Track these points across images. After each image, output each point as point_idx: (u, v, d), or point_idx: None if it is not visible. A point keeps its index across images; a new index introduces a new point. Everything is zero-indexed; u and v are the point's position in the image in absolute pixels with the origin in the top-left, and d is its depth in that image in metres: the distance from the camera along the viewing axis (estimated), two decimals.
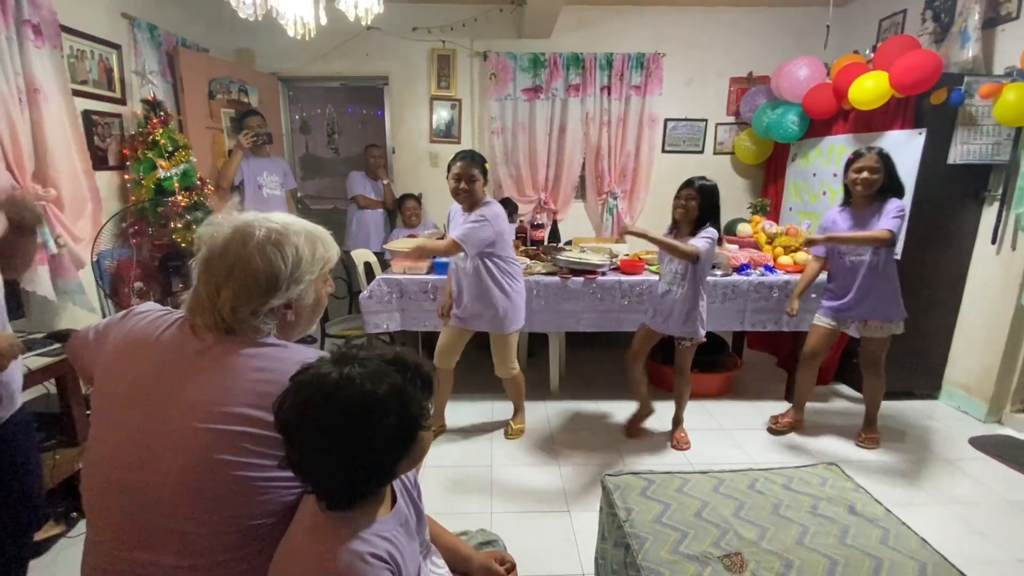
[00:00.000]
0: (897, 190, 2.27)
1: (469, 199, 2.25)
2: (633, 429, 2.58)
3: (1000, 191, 2.68)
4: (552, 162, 4.00)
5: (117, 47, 2.78)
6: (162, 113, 2.81)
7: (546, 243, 3.41)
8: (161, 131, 2.75)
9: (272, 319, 0.90)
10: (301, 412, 0.70)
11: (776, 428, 2.64)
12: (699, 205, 2.23)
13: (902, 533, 1.30)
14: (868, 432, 2.56)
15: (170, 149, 2.76)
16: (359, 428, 0.69)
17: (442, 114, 4.00)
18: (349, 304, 3.11)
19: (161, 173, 2.72)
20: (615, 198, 4.01)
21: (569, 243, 3.60)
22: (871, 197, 2.28)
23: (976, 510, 2.06)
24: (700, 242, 2.19)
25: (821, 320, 2.48)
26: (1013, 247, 2.64)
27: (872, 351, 2.44)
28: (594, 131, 3.93)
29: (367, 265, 3.31)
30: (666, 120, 4.01)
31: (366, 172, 3.89)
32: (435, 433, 2.53)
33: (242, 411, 0.81)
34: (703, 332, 2.35)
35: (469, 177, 2.21)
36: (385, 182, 3.87)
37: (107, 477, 0.83)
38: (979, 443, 2.56)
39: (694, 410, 2.86)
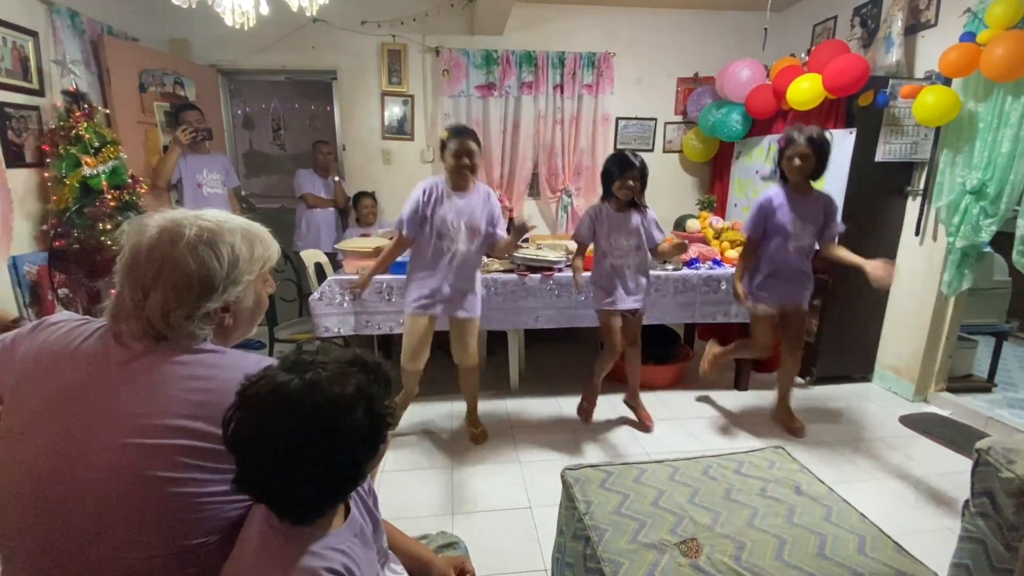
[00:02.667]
0: (821, 172, 2.34)
1: (472, 178, 2.20)
2: (588, 413, 2.63)
3: (921, 187, 2.89)
4: (506, 159, 4.00)
5: (34, 34, 2.56)
6: (86, 106, 2.61)
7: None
8: (85, 125, 2.55)
9: (208, 323, 0.84)
10: (261, 426, 0.65)
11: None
12: (643, 184, 2.34)
13: (843, 510, 1.38)
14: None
15: (96, 145, 2.57)
16: (330, 434, 0.66)
17: (394, 110, 3.92)
18: (299, 307, 3.00)
19: (87, 171, 2.53)
20: (569, 196, 4.04)
21: (526, 240, 3.59)
22: (806, 179, 2.34)
23: (907, 484, 2.21)
24: (659, 234, 2.39)
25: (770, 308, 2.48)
26: (935, 238, 2.85)
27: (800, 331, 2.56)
28: (547, 129, 3.95)
29: (318, 266, 3.21)
30: (617, 119, 4.07)
31: (315, 169, 3.77)
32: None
33: (177, 423, 0.75)
34: None
35: (473, 152, 2.15)
36: (336, 179, 3.75)
37: (20, 505, 0.75)
38: (908, 421, 2.75)
39: (649, 401, 2.91)
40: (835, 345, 3.13)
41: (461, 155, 2.12)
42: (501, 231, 2.31)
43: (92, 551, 0.73)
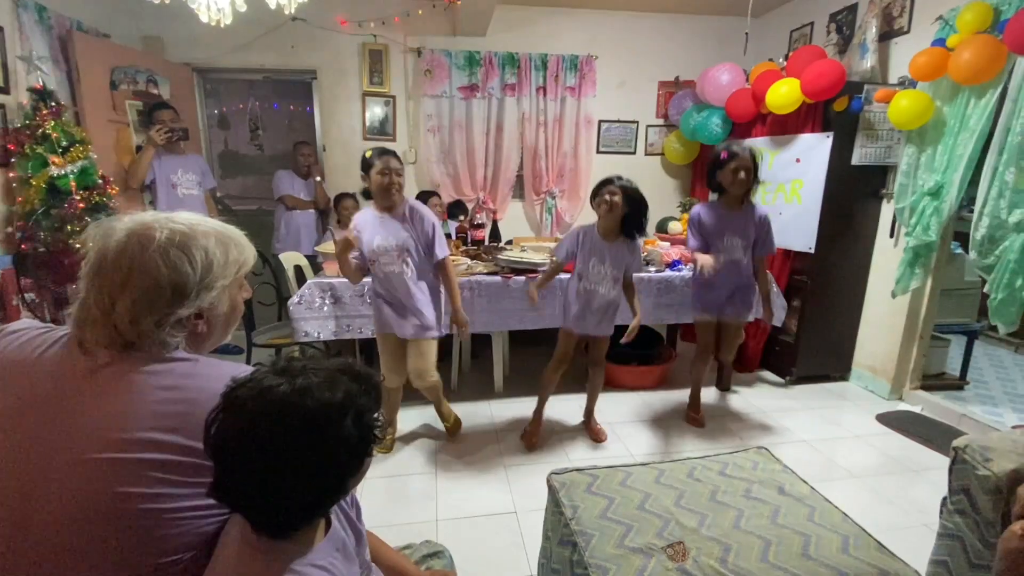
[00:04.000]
0: (754, 190, 2.39)
1: (400, 197, 2.15)
2: (532, 439, 2.47)
3: (895, 189, 2.95)
4: (490, 161, 3.99)
5: None
6: (53, 104, 2.51)
7: (487, 243, 3.38)
8: (53, 123, 2.46)
9: (180, 331, 0.81)
10: (246, 432, 0.62)
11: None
12: (624, 202, 2.17)
13: (826, 509, 1.39)
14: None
15: (64, 144, 2.47)
16: (317, 443, 0.63)
17: (375, 111, 3.88)
18: (278, 311, 2.93)
19: (54, 171, 2.43)
20: (554, 197, 4.05)
21: (510, 243, 3.59)
22: (745, 194, 2.37)
23: (885, 481, 2.25)
24: (637, 265, 2.33)
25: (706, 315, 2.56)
26: (907, 241, 2.90)
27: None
28: (531, 131, 3.95)
29: (297, 269, 3.14)
30: (600, 121, 4.09)
31: (294, 170, 3.70)
32: (391, 442, 2.43)
33: (147, 436, 0.72)
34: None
35: (400, 171, 2.10)
36: (317, 179, 3.68)
37: None
38: (884, 419, 2.81)
39: (633, 402, 2.95)
40: (813, 345, 3.19)
41: (390, 173, 2.06)
42: (441, 251, 2.20)
43: (59, 574, 0.69)
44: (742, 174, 2.29)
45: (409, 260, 2.17)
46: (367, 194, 2.17)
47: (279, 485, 0.63)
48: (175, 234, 0.79)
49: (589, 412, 2.62)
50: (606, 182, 2.19)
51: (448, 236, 3.21)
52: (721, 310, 2.54)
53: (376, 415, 0.71)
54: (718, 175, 2.36)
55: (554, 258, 2.40)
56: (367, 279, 2.30)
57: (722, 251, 2.40)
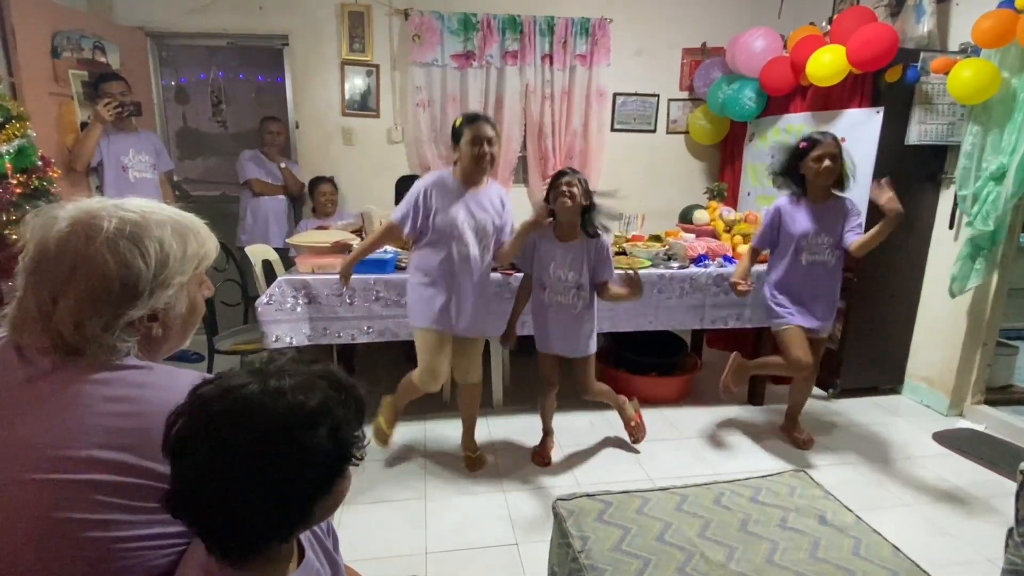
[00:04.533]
0: (845, 179, 2.42)
1: (491, 171, 2.23)
2: (543, 458, 2.53)
3: (956, 173, 2.95)
4: None
5: None
6: None
7: None
8: None
9: (131, 335, 0.82)
10: (205, 433, 0.63)
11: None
12: (583, 194, 2.18)
13: (873, 542, 1.39)
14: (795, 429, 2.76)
15: None
16: (285, 452, 0.64)
17: (356, 82, 3.89)
18: (244, 312, 2.94)
19: None
20: None
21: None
22: (828, 189, 2.41)
23: (942, 509, 2.26)
24: (610, 272, 2.29)
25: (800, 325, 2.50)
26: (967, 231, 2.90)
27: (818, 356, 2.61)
28: (535, 105, 3.95)
29: (266, 264, 3.15)
30: (615, 95, 4.09)
31: (262, 151, 3.71)
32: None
33: (94, 455, 0.73)
34: (595, 343, 2.40)
35: (493, 140, 2.14)
36: (282, 165, 3.68)
37: None
38: (941, 438, 2.81)
39: (652, 419, 2.92)
40: (861, 353, 3.19)
41: (484, 142, 2.10)
42: (507, 235, 2.31)
43: None
44: (827, 162, 2.33)
45: (489, 247, 2.24)
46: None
47: (238, 497, 0.63)
48: (125, 224, 0.79)
49: (619, 408, 2.65)
50: (559, 175, 2.22)
51: None
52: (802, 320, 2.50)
53: (357, 432, 0.71)
54: (800, 167, 2.41)
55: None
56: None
57: (804, 251, 2.46)
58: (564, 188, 2.16)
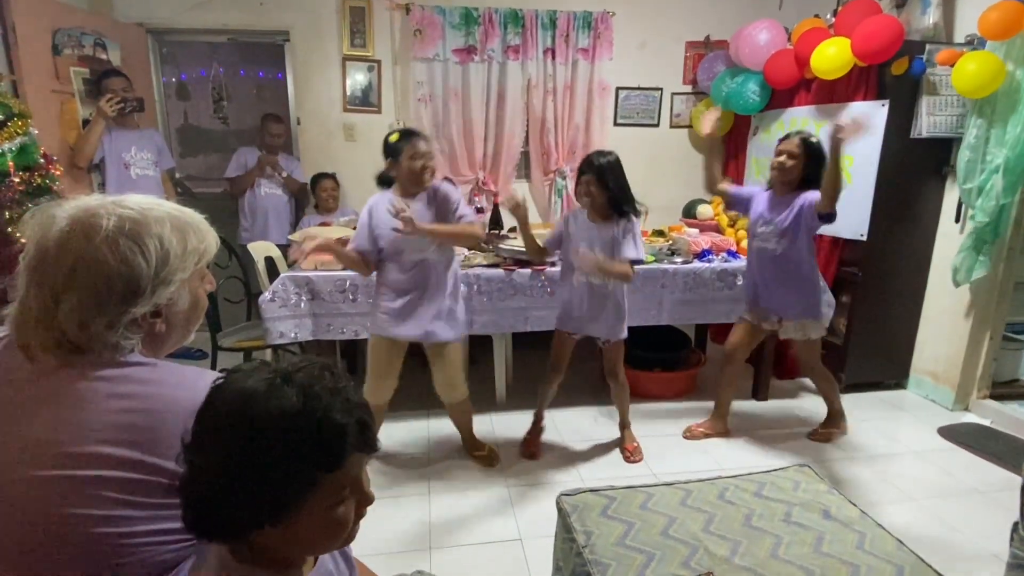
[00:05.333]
0: (815, 183, 2.32)
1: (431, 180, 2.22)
2: (530, 449, 2.57)
3: (962, 166, 2.93)
4: (490, 135, 3.97)
5: None
6: None
7: (487, 230, 3.38)
8: None
9: (135, 332, 0.82)
10: (204, 416, 0.67)
11: (691, 436, 2.74)
12: (603, 186, 2.21)
13: (878, 536, 1.40)
14: (825, 426, 2.76)
15: (0, 118, 2.48)
16: (263, 433, 0.64)
17: (358, 78, 3.88)
18: (247, 309, 2.95)
19: None
20: (564, 177, 4.04)
21: (513, 229, 3.58)
22: (789, 185, 2.37)
23: (948, 504, 2.26)
24: (632, 251, 2.21)
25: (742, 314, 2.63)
26: (969, 224, 2.89)
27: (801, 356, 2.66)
28: (538, 100, 3.93)
29: (269, 261, 3.16)
30: (618, 89, 4.07)
31: (260, 148, 3.69)
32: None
33: (101, 451, 0.74)
34: (626, 329, 2.42)
35: (432, 154, 2.19)
36: (284, 175, 3.64)
37: None
38: (947, 432, 2.81)
39: (655, 414, 2.96)
40: (865, 347, 3.19)
41: (419, 157, 2.12)
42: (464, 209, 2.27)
43: None
44: (782, 157, 2.37)
45: (442, 249, 2.24)
46: (386, 181, 2.23)
47: (219, 481, 0.64)
48: (124, 221, 0.80)
49: (622, 426, 2.65)
50: (583, 168, 2.26)
51: None
52: (753, 306, 2.59)
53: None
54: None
55: (546, 244, 2.44)
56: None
57: (756, 237, 2.50)
58: (582, 186, 2.24)
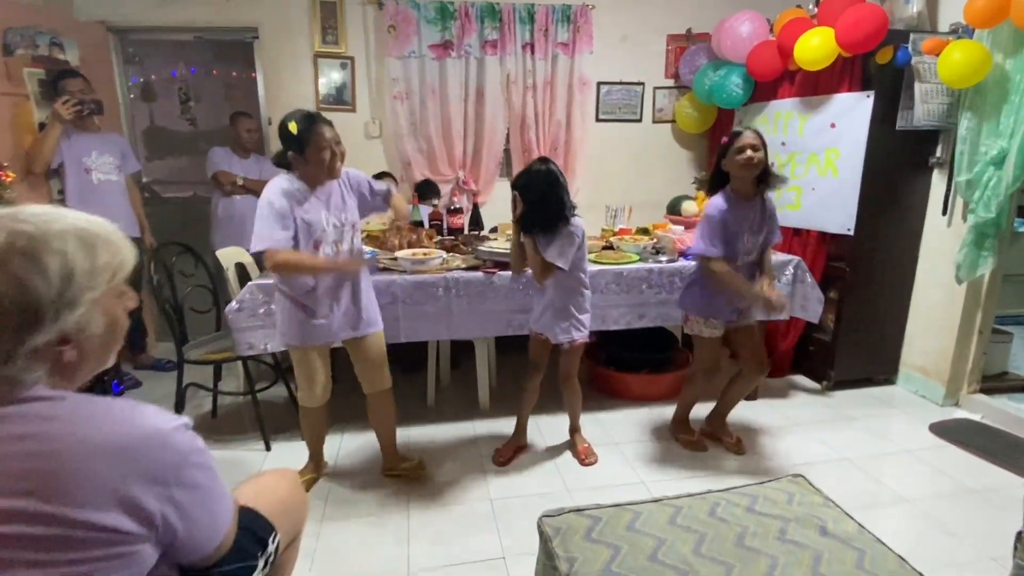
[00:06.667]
0: (771, 177, 2.24)
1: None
2: (503, 458, 2.48)
3: (948, 157, 2.89)
4: (470, 133, 3.89)
5: None
6: None
7: (466, 231, 3.29)
8: None
9: (39, 363, 0.73)
10: None
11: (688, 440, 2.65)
12: (523, 197, 2.13)
13: (878, 553, 1.32)
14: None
15: None
16: None
17: (330, 76, 3.77)
18: (216, 319, 2.82)
19: None
20: None
21: (494, 230, 3.50)
22: (755, 182, 2.22)
23: (942, 505, 2.20)
24: (554, 252, 2.14)
25: (716, 329, 2.42)
26: (964, 218, 2.85)
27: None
28: (517, 96, 3.85)
29: (240, 267, 3.03)
30: (599, 83, 4.01)
31: (233, 149, 3.58)
32: (311, 480, 2.32)
33: (3, 505, 0.64)
34: (583, 333, 2.31)
35: (339, 139, 2.02)
36: (241, 183, 3.50)
37: None
38: (939, 429, 2.76)
39: (642, 417, 2.89)
40: (854, 344, 3.14)
41: (329, 145, 1.95)
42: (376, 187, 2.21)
43: None
44: (749, 152, 2.12)
45: (358, 236, 2.15)
46: (283, 164, 2.00)
47: None
48: (17, 237, 0.70)
49: (571, 430, 2.60)
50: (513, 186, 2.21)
51: (419, 224, 3.11)
52: (729, 318, 2.41)
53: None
54: (724, 163, 2.23)
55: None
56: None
57: (741, 254, 2.29)
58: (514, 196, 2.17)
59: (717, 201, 2.24)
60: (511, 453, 2.52)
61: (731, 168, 2.20)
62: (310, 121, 1.93)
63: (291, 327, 2.09)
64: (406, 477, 2.36)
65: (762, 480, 1.62)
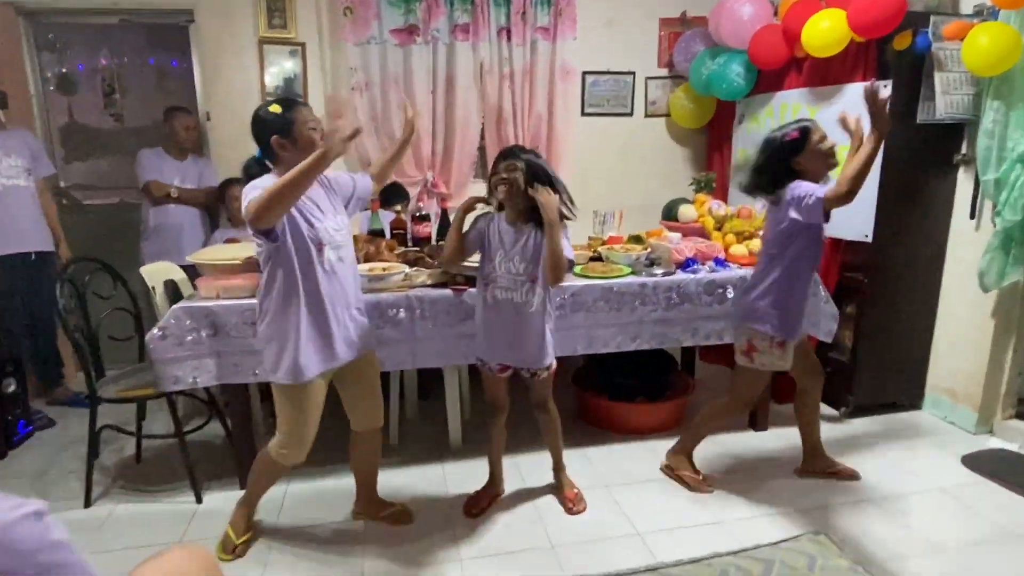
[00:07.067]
0: None
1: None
2: (477, 508, 2.36)
3: (976, 154, 2.82)
4: (440, 129, 3.82)
5: None
6: None
7: (434, 241, 3.15)
8: None
9: None
10: None
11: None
12: (529, 177, 2.02)
13: None
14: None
15: None
16: None
17: (280, 65, 3.68)
18: (139, 348, 2.65)
19: None
20: None
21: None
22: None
23: (981, 554, 2.10)
24: (569, 249, 2.05)
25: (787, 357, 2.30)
26: (994, 222, 2.78)
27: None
28: (493, 87, 3.79)
29: (171, 286, 2.86)
30: (584, 73, 3.97)
31: (166, 149, 3.46)
32: (245, 544, 2.14)
33: None
34: (552, 354, 2.23)
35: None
36: (175, 195, 3.38)
37: None
38: (972, 462, 2.68)
39: (637, 453, 2.79)
40: (875, 364, 3.08)
41: (317, 127, 1.90)
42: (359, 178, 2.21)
43: None
44: (829, 142, 2.15)
45: (351, 241, 2.07)
46: (260, 164, 1.93)
47: None
48: None
49: (556, 470, 2.47)
50: (502, 155, 2.08)
51: (379, 233, 2.98)
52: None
53: None
54: (796, 161, 2.15)
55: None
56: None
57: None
58: (503, 173, 2.03)
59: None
60: (486, 502, 2.38)
61: (811, 164, 2.15)
62: (286, 100, 1.93)
63: (298, 356, 1.89)
64: (390, 518, 2.28)
65: (777, 541, 1.50)
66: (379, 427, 2.20)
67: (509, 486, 2.51)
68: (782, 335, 2.22)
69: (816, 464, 2.58)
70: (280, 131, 1.84)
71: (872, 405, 3.14)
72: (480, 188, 3.96)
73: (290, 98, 1.97)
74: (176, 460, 2.53)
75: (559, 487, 2.44)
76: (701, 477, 2.51)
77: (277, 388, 1.95)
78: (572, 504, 2.37)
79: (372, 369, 2.15)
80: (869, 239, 2.91)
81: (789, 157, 2.16)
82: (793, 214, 2.10)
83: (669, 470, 2.57)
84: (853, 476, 2.55)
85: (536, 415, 2.36)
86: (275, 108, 1.86)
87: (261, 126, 1.87)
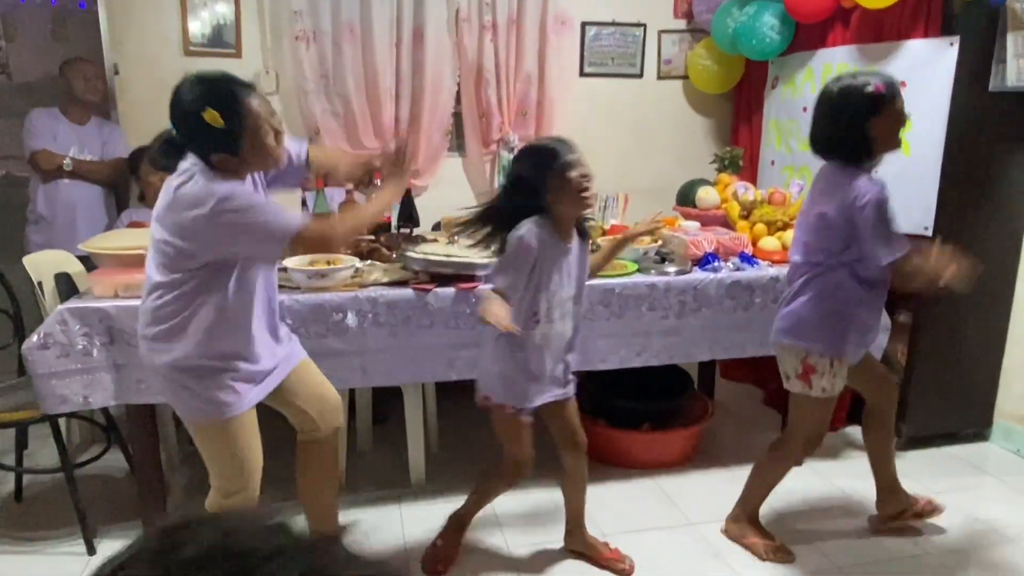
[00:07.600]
0: None
1: None
2: (443, 566, 2.32)
3: None
4: (404, 90, 3.80)
5: None
6: None
7: (394, 229, 3.08)
8: None
9: None
10: None
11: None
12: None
13: None
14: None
15: None
16: None
17: (209, 8, 3.61)
18: (19, 359, 2.59)
19: None
20: (511, 150, 3.85)
21: (437, 227, 3.39)
22: None
23: None
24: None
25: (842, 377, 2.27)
26: None
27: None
28: (471, 39, 3.78)
29: (64, 281, 2.77)
30: (584, 24, 3.97)
31: (63, 110, 3.37)
32: None
33: None
34: None
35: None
36: (69, 167, 3.28)
37: None
38: None
39: (644, 493, 2.77)
40: (933, 385, 3.08)
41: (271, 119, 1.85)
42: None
43: None
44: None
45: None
46: (176, 150, 1.80)
47: None
48: None
49: (577, 526, 2.39)
50: (561, 151, 2.01)
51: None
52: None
53: None
54: (871, 126, 2.05)
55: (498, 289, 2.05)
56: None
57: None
58: (576, 173, 1.99)
59: (875, 183, 2.06)
60: (454, 555, 2.32)
61: (885, 130, 2.06)
62: (228, 96, 1.70)
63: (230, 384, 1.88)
64: None
65: None
66: (336, 427, 2.23)
67: (473, 532, 2.46)
68: (833, 351, 2.16)
69: (897, 503, 2.51)
70: (227, 148, 1.72)
71: (929, 436, 3.14)
72: (454, 163, 4.03)
73: (221, 83, 1.74)
74: (65, 499, 2.45)
75: (584, 546, 2.37)
76: (778, 544, 2.43)
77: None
78: (620, 562, 2.32)
79: (311, 365, 2.20)
80: (929, 232, 2.88)
81: (867, 117, 2.06)
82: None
83: (733, 536, 2.51)
84: (936, 510, 2.52)
85: (564, 457, 2.28)
86: (212, 116, 1.67)
87: (194, 130, 1.72)
